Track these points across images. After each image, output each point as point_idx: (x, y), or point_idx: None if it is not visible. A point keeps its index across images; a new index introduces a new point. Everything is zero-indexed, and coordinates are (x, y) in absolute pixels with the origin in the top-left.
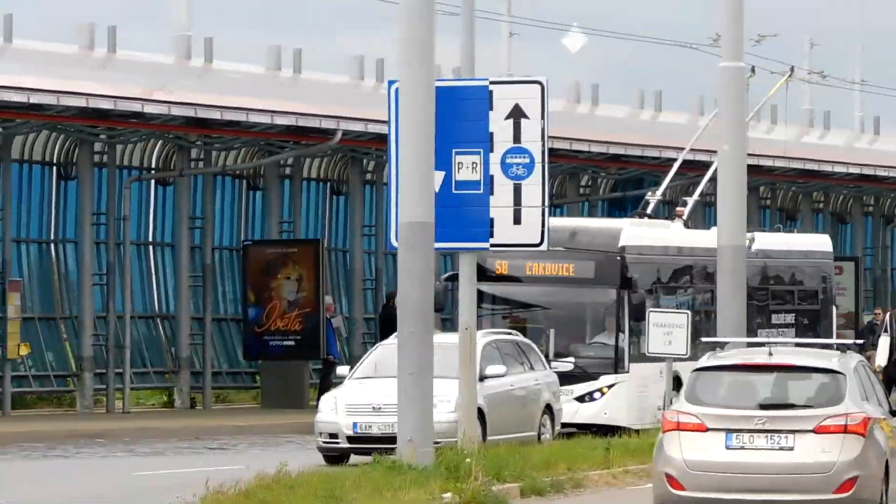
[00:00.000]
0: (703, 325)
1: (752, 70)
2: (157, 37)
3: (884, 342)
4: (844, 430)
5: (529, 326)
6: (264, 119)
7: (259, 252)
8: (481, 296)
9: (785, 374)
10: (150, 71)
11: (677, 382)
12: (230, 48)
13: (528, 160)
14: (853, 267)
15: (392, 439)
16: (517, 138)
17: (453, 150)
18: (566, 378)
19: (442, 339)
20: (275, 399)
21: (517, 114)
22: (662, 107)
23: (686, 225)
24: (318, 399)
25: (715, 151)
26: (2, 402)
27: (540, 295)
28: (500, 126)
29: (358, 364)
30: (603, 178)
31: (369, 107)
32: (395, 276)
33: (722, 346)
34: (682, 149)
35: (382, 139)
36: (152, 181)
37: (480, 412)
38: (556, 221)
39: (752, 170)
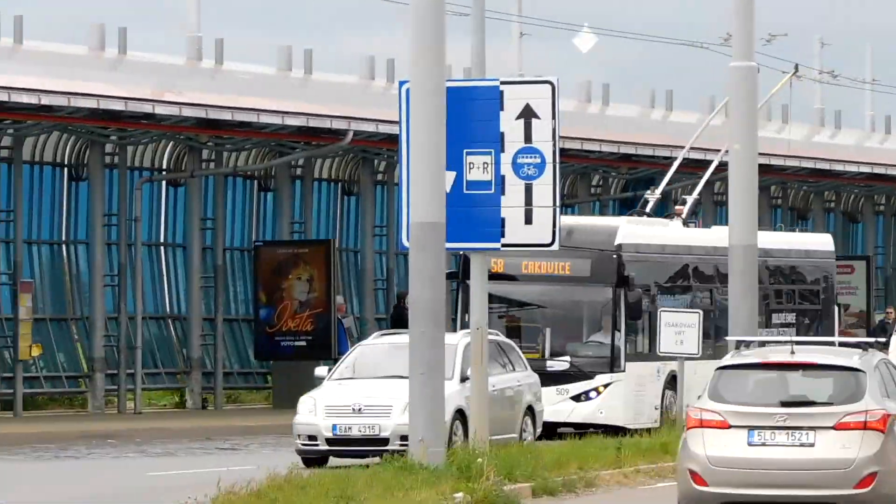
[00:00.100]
0: (703, 323)
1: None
2: (167, 38)
3: (895, 341)
4: (864, 426)
5: (525, 325)
6: (275, 120)
7: (270, 253)
8: None
9: (806, 371)
10: (161, 72)
11: (675, 382)
12: (241, 49)
13: (539, 160)
14: (864, 266)
15: (373, 441)
16: (528, 138)
17: (464, 151)
18: (562, 377)
19: None
20: (286, 399)
21: (528, 114)
22: (673, 106)
23: (685, 223)
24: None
25: (718, 150)
26: (14, 402)
27: (536, 293)
28: (511, 126)
29: (337, 364)
30: (614, 178)
31: (380, 107)
32: (406, 277)
33: (747, 344)
34: (694, 148)
35: (393, 139)
36: (163, 182)
37: (462, 414)
38: None
39: (763, 169)
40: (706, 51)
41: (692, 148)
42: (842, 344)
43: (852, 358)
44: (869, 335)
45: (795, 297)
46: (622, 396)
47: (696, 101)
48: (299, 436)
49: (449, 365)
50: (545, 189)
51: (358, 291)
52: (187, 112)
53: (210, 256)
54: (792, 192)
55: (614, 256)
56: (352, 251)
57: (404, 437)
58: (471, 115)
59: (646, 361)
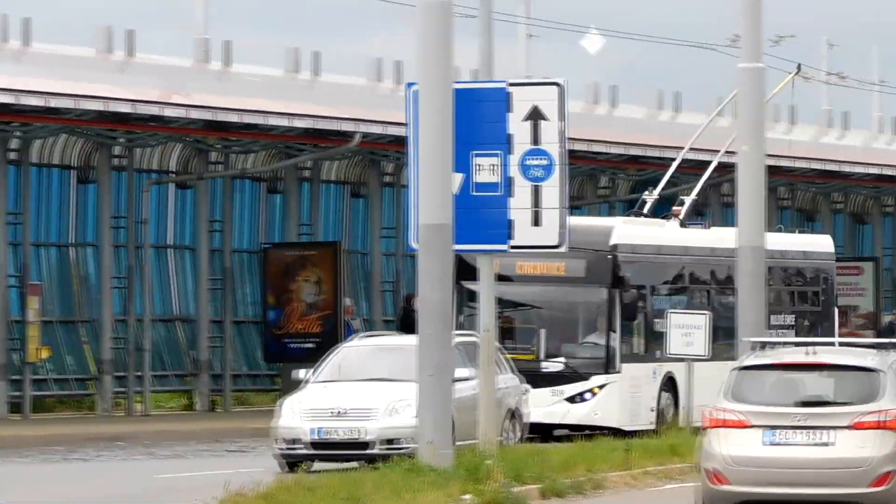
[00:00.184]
0: None
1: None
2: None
3: None
4: (880, 426)
5: (520, 326)
6: (283, 122)
7: (278, 255)
8: (471, 295)
9: (824, 372)
10: (169, 74)
11: (671, 384)
12: (248, 51)
13: (546, 162)
14: (872, 267)
15: (357, 444)
16: (536, 140)
17: (472, 153)
18: (557, 378)
19: (403, 341)
20: None
21: (536, 115)
22: (681, 108)
23: (682, 224)
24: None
25: (717, 151)
26: (22, 405)
27: (531, 294)
28: (518, 128)
29: (319, 367)
30: (622, 180)
31: (388, 109)
32: (414, 278)
33: (765, 345)
34: (702, 150)
35: (401, 141)
36: (171, 184)
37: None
38: None
39: (771, 170)
40: (714, 52)
41: (701, 149)
42: (842, 344)
43: (869, 358)
44: (877, 336)
45: (794, 299)
46: (617, 398)
47: (704, 103)
48: (280, 439)
49: None
50: (553, 191)
51: (366, 293)
52: (195, 114)
53: (218, 258)
54: (800, 193)
55: (609, 257)
56: (360, 253)
57: (388, 441)
58: (479, 117)
59: (641, 363)
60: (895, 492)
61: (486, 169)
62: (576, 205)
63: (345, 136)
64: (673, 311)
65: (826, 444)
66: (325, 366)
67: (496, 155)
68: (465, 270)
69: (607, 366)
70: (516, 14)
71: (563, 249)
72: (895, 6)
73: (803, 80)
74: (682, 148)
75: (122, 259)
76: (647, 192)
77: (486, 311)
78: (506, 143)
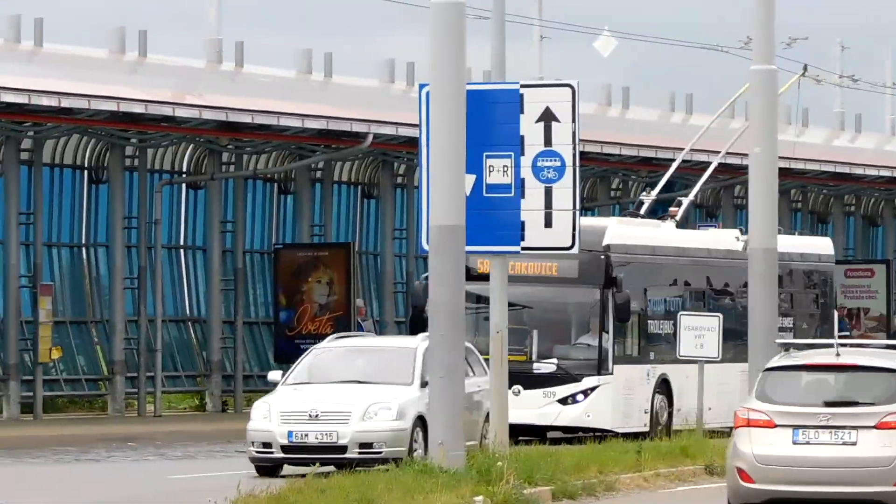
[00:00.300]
0: None
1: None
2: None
3: None
4: None
5: (512, 327)
6: (295, 123)
7: (290, 255)
8: (465, 295)
9: (850, 373)
10: (181, 75)
11: (665, 385)
12: (261, 52)
13: (559, 163)
14: (884, 269)
15: (331, 448)
16: (548, 141)
17: (484, 154)
18: (549, 380)
19: (377, 342)
20: None
21: (548, 117)
22: (693, 109)
23: (678, 225)
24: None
25: (717, 152)
26: (34, 405)
27: (523, 295)
28: (530, 129)
29: (292, 368)
30: (634, 182)
31: (400, 110)
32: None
33: (795, 347)
34: (715, 152)
35: (413, 142)
36: (183, 185)
37: (423, 420)
38: None
39: (784, 172)
40: (726, 54)
41: (714, 151)
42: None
43: (894, 360)
44: (889, 338)
45: (793, 301)
46: (610, 400)
47: (716, 105)
48: (253, 443)
49: (408, 370)
50: (565, 192)
51: (378, 294)
52: (207, 115)
53: (230, 259)
54: (812, 195)
55: (602, 257)
56: (371, 254)
57: (363, 445)
58: (491, 119)
59: (635, 364)
60: None
61: (498, 170)
62: (588, 206)
63: (357, 137)
64: (684, 313)
65: (851, 444)
66: (298, 367)
67: (508, 156)
68: None
69: (599, 367)
70: (529, 15)
71: (574, 251)
72: None
73: (815, 83)
74: (694, 150)
75: (133, 259)
76: (644, 193)
77: (498, 312)
78: (518, 145)
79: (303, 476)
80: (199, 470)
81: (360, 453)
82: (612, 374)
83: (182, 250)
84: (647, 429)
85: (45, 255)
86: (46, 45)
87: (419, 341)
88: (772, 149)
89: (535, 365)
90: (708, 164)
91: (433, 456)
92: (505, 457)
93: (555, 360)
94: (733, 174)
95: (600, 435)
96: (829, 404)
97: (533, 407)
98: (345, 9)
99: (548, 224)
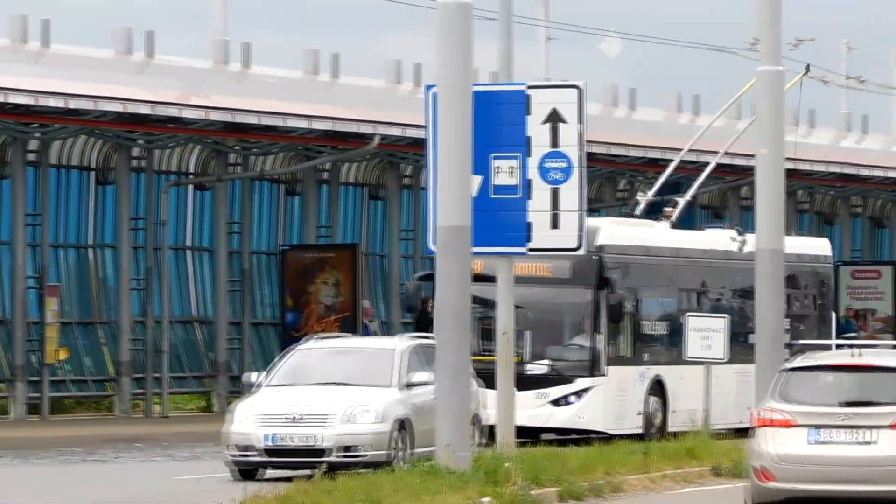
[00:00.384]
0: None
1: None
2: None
3: None
4: None
5: None
6: (302, 124)
7: (297, 257)
8: None
9: (868, 373)
10: (188, 76)
11: (659, 387)
12: (267, 53)
13: (565, 164)
14: (891, 271)
15: (312, 452)
16: (555, 143)
17: (491, 155)
18: (542, 381)
19: (359, 343)
20: None
21: (555, 118)
22: (700, 110)
23: (673, 226)
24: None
25: (716, 152)
26: (40, 406)
27: (515, 295)
28: (537, 130)
29: (272, 369)
30: (640, 183)
31: (407, 111)
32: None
33: (814, 348)
34: (724, 153)
35: (420, 144)
36: (190, 186)
37: (405, 423)
38: None
39: (790, 174)
40: (733, 55)
41: (724, 153)
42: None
43: None
44: None
45: (790, 303)
46: (602, 401)
47: (722, 106)
48: (232, 446)
49: (388, 371)
50: (572, 193)
51: (384, 295)
52: (214, 116)
53: (237, 260)
54: (819, 196)
55: (595, 258)
56: (378, 255)
57: (345, 448)
58: (497, 120)
59: (628, 365)
60: None
61: (504, 171)
62: (594, 208)
63: (364, 138)
64: (691, 314)
65: (869, 443)
66: (279, 369)
67: (515, 157)
68: None
69: (592, 368)
70: (536, 16)
71: (581, 252)
72: None
73: (822, 84)
74: (701, 151)
75: (140, 260)
76: (640, 193)
77: (505, 314)
78: (524, 146)
79: (287, 479)
80: (205, 471)
81: (341, 456)
82: (605, 375)
83: (189, 251)
84: (641, 430)
85: (51, 256)
86: (53, 46)
87: (399, 342)
88: (778, 150)
89: (528, 366)
90: (717, 164)
91: (440, 457)
92: (512, 458)
93: (547, 361)
94: (740, 175)
95: (605, 437)
96: (847, 404)
97: (525, 408)
98: (351, 9)
99: (554, 225)
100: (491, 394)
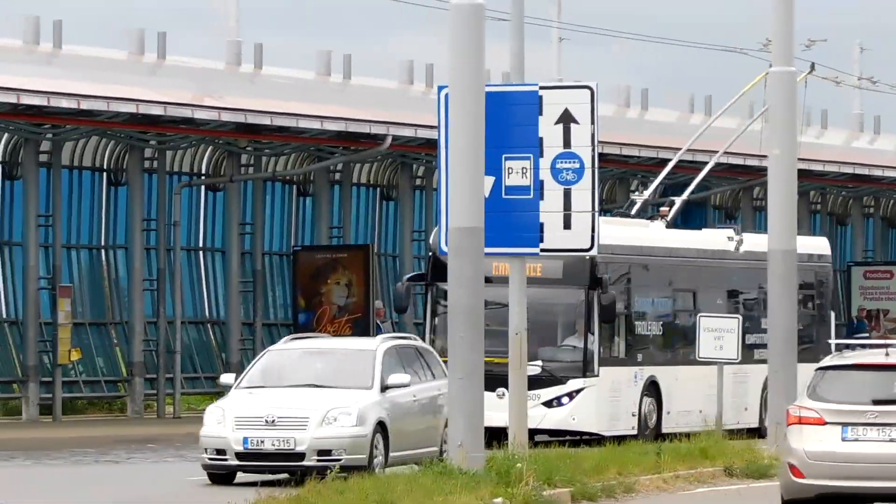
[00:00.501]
0: (684, 327)
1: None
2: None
3: None
4: None
5: (496, 329)
6: (314, 124)
7: (309, 257)
8: (447, 296)
9: None
10: (200, 77)
11: (654, 388)
12: (280, 53)
13: (577, 165)
14: None
15: (288, 456)
16: (567, 143)
17: (503, 156)
18: (534, 382)
19: (334, 344)
20: None
21: (567, 119)
22: (712, 111)
23: (668, 225)
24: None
25: (716, 152)
26: (53, 407)
27: (507, 296)
28: (549, 131)
29: (246, 371)
30: (652, 183)
31: (419, 112)
32: None
33: (849, 347)
34: (734, 153)
35: (432, 144)
36: (202, 187)
37: (383, 426)
38: None
39: (802, 174)
40: (746, 56)
41: (733, 154)
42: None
43: None
44: None
45: None
46: (595, 402)
47: (735, 106)
48: (206, 449)
49: (367, 373)
50: (584, 194)
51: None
52: (226, 117)
53: (249, 261)
54: (831, 197)
55: (587, 257)
56: (390, 256)
57: (322, 452)
58: (510, 120)
59: (622, 366)
60: None
61: (516, 172)
62: (606, 208)
63: (376, 138)
64: (704, 314)
65: None
66: (253, 370)
67: (527, 158)
68: (441, 270)
69: (585, 369)
70: (548, 17)
71: (594, 253)
72: None
73: (835, 84)
74: (713, 151)
75: (152, 261)
76: (636, 193)
77: (517, 314)
78: (537, 146)
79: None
80: None
81: (318, 460)
82: (597, 376)
83: (201, 252)
84: (635, 432)
85: (64, 256)
86: (65, 47)
87: (378, 343)
88: (791, 150)
89: None
90: (724, 165)
91: (452, 457)
92: (524, 458)
93: (539, 363)
94: (752, 176)
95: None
96: (877, 402)
97: None
98: (363, 10)
99: (567, 226)
100: (488, 395)
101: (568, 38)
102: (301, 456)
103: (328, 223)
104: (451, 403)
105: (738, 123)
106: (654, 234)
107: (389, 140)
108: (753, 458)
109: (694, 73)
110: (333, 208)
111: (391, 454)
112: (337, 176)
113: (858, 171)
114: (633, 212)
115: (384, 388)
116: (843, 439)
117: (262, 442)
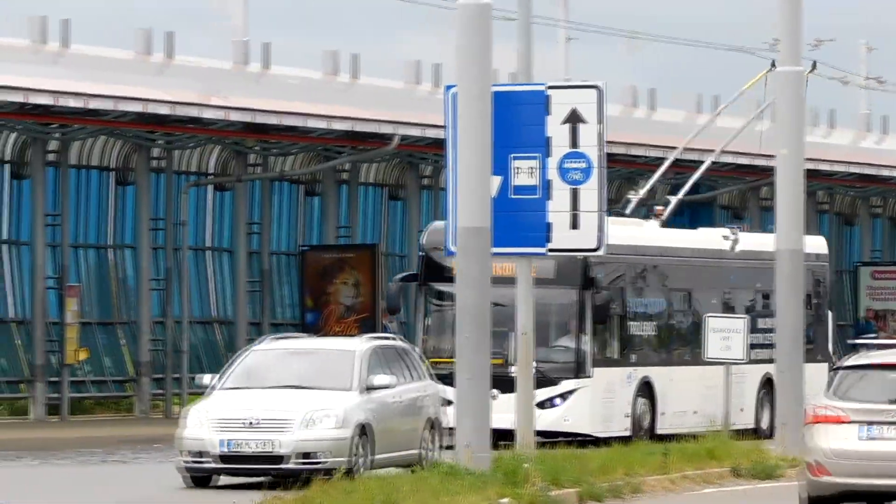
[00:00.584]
0: (679, 327)
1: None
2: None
3: None
4: None
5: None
6: (321, 124)
7: (316, 257)
8: (439, 296)
9: None
10: (208, 76)
11: (648, 388)
12: (287, 53)
13: (585, 165)
14: None
15: (270, 458)
16: (574, 143)
17: (510, 156)
18: None
19: (316, 344)
20: None
21: (574, 118)
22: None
23: (663, 224)
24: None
25: (735, 153)
26: (60, 407)
27: (499, 296)
28: (557, 131)
29: (226, 371)
30: (660, 183)
31: (426, 111)
32: None
33: (871, 347)
34: (741, 153)
35: (439, 144)
36: (210, 186)
37: (366, 428)
38: None
39: (810, 174)
40: (753, 55)
41: (740, 153)
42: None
43: None
44: None
45: None
46: (588, 403)
47: (742, 106)
48: (184, 451)
49: (348, 374)
50: (591, 194)
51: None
52: (234, 116)
53: (256, 261)
54: (838, 197)
55: (580, 257)
56: (398, 256)
57: (304, 455)
58: (517, 120)
59: (615, 367)
60: None
61: (524, 172)
62: (613, 208)
63: (383, 138)
64: (711, 315)
65: None
66: (233, 370)
67: (534, 158)
68: (433, 269)
69: (578, 370)
70: (555, 17)
71: (601, 253)
72: None
73: (842, 84)
74: (721, 151)
75: (160, 261)
76: (632, 192)
77: (524, 314)
78: (544, 146)
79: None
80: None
81: (300, 463)
82: (590, 377)
83: (208, 252)
84: (629, 433)
85: (71, 256)
86: (73, 47)
87: (360, 343)
88: (799, 150)
89: (512, 368)
90: (731, 164)
91: (459, 457)
92: (531, 459)
93: (532, 364)
94: (760, 176)
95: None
96: (895, 402)
97: (510, 411)
98: (371, 10)
99: (574, 226)
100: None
101: (575, 37)
102: (283, 458)
103: (336, 223)
104: (458, 404)
105: (744, 123)
106: (648, 234)
107: (397, 140)
108: (761, 458)
109: (701, 73)
110: (341, 208)
111: (375, 457)
112: (344, 176)
113: (866, 171)
114: (629, 211)
115: (368, 389)
116: (864, 438)
117: (243, 444)
